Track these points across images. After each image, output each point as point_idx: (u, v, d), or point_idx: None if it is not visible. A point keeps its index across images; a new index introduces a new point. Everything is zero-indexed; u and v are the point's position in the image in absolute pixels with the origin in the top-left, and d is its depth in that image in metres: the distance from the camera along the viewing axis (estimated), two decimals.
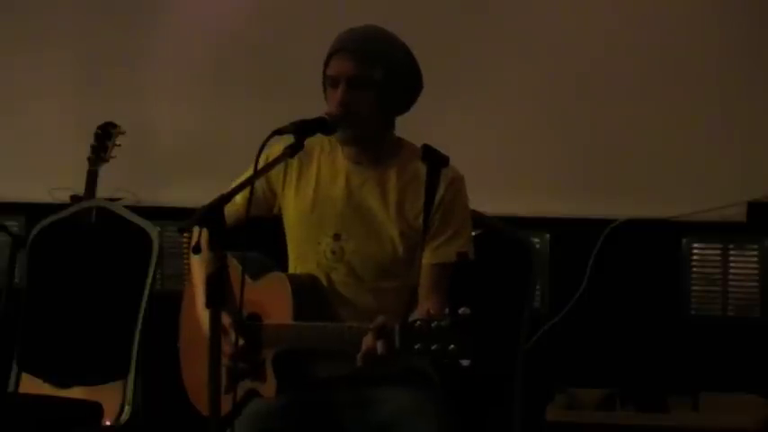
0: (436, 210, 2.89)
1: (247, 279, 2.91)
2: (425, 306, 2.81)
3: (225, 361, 2.86)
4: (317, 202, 2.97)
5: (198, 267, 3.06)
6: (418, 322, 2.50)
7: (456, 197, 2.92)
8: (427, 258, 2.90)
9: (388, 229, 2.92)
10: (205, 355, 2.51)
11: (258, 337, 2.91)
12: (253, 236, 2.85)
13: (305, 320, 2.85)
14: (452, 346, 2.44)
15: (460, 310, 2.46)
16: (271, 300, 2.93)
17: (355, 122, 2.86)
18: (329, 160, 2.98)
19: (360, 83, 2.85)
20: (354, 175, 2.95)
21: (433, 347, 2.46)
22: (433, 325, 2.47)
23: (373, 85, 2.86)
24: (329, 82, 2.90)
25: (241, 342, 2.89)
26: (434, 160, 2.92)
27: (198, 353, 2.94)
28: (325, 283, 2.95)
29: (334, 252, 2.94)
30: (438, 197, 2.89)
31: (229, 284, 2.74)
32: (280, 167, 2.96)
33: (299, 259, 3.01)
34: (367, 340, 2.64)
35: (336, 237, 2.94)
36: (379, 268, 2.93)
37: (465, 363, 2.43)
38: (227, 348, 2.86)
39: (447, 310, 2.48)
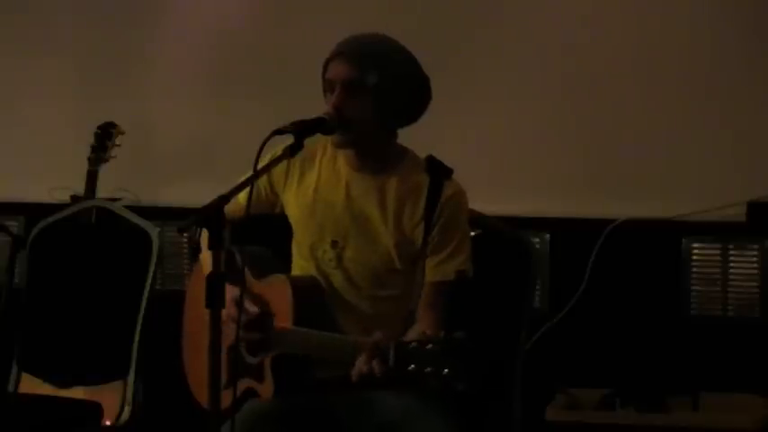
0: (435, 224, 2.87)
1: (251, 278, 2.92)
2: (421, 324, 2.81)
3: (238, 332, 2.81)
4: (317, 207, 2.96)
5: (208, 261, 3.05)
6: (413, 343, 2.48)
7: (456, 212, 2.89)
8: (426, 276, 2.89)
9: (385, 238, 2.90)
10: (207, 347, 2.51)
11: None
12: (261, 231, 2.86)
13: (305, 325, 2.85)
14: (446, 370, 2.43)
15: (456, 334, 2.44)
16: (272, 301, 2.93)
17: (349, 127, 2.84)
18: (330, 166, 2.97)
19: (355, 87, 2.83)
20: (355, 183, 2.94)
21: (426, 370, 2.45)
22: (428, 347, 2.45)
23: (368, 90, 2.83)
24: (327, 86, 2.89)
25: (255, 310, 2.88)
26: (437, 172, 2.90)
27: (200, 345, 2.94)
28: (325, 286, 2.95)
29: (331, 259, 2.94)
30: (437, 212, 2.86)
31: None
32: (282, 168, 2.96)
33: (301, 259, 3.01)
34: (360, 362, 2.62)
35: (334, 243, 2.93)
36: (374, 277, 2.92)
37: (460, 386, 2.43)
38: (235, 314, 2.79)
39: (442, 333, 2.46)
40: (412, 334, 2.70)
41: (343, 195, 2.94)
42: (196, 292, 3.13)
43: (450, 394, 2.84)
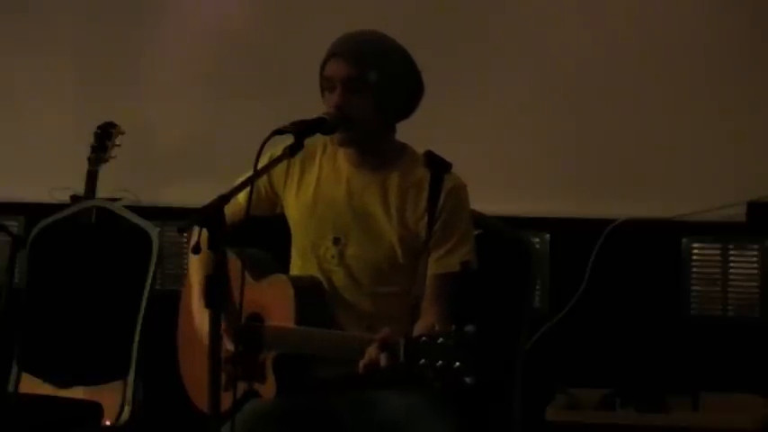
0: (438, 217, 2.88)
1: (249, 279, 2.91)
2: (428, 317, 2.81)
3: (222, 365, 2.85)
4: (318, 204, 2.96)
5: (196, 267, 3.06)
6: (424, 338, 2.49)
7: (458, 205, 2.91)
8: (430, 268, 2.89)
9: (388, 234, 2.91)
10: (202, 353, 2.50)
11: (259, 338, 2.91)
12: (257, 233, 2.85)
13: (307, 324, 2.85)
14: (457, 363, 2.43)
15: (466, 328, 2.45)
16: (273, 301, 2.93)
17: (352, 125, 2.85)
18: (331, 163, 2.98)
19: (355, 85, 2.84)
20: (356, 180, 2.95)
21: (437, 364, 2.45)
22: (438, 341, 2.46)
23: (369, 88, 2.84)
24: (326, 85, 2.90)
25: (240, 348, 2.88)
26: (437, 167, 2.91)
27: (195, 351, 2.94)
28: (326, 285, 2.95)
29: (333, 256, 2.94)
30: (440, 204, 2.87)
31: (229, 285, 2.74)
32: (282, 168, 2.96)
33: (301, 259, 3.01)
34: (371, 351, 2.62)
35: (336, 240, 2.94)
36: (377, 273, 2.92)
37: (469, 380, 2.43)
38: (224, 353, 2.84)
39: (453, 327, 2.46)
40: (420, 328, 2.70)
41: (344, 192, 2.94)
42: (187, 300, 3.14)
43: (451, 394, 2.86)
